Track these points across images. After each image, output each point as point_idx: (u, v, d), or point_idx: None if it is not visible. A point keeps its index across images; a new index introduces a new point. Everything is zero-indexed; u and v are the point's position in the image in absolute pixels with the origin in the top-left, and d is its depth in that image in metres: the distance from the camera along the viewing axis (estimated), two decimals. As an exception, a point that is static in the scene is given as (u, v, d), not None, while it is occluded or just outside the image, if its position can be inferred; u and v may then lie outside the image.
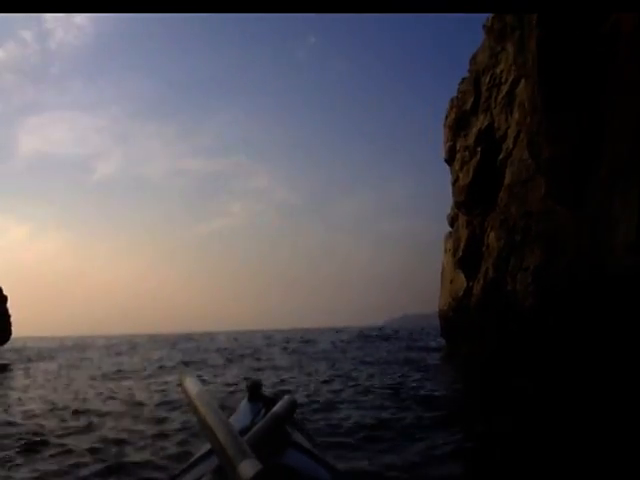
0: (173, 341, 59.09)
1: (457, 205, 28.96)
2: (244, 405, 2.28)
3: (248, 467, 1.21)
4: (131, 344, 55.26)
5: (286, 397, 2.12)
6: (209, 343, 45.56)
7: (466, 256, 27.25)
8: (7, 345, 49.78)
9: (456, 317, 28.82)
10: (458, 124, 27.14)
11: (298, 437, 1.99)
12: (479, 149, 24.90)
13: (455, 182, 28.90)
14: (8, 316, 46.26)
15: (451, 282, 32.18)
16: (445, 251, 34.38)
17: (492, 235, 24.44)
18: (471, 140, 25.39)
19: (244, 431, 1.67)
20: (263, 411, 2.00)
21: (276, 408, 1.92)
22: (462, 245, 28.87)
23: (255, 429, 1.66)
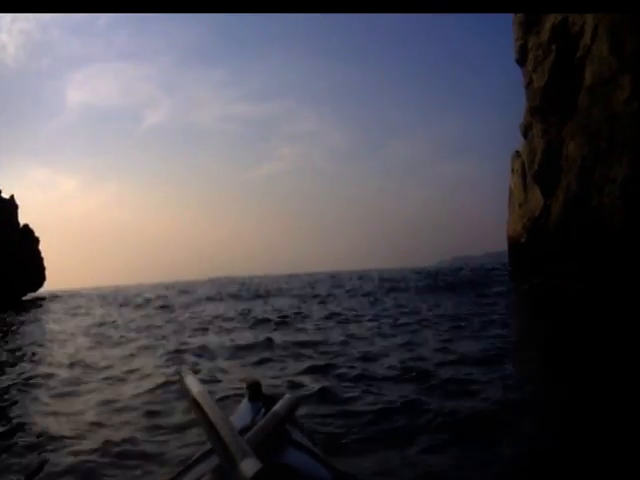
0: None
1: (531, 111, 26.56)
2: (244, 404, 2.27)
3: (248, 466, 1.24)
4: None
5: (286, 396, 2.09)
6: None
7: (543, 169, 24.99)
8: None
9: (531, 241, 26.59)
10: (529, 20, 24.39)
11: (298, 436, 2.00)
12: (554, 47, 22.32)
13: (529, 84, 26.48)
14: (41, 259, 45.54)
15: (520, 206, 30.11)
16: (512, 171, 32.22)
17: (572, 144, 22.10)
18: (544, 37, 22.80)
19: (244, 430, 1.70)
20: (263, 410, 2.01)
21: (276, 407, 1.92)
22: (538, 157, 26.62)
23: (255, 428, 1.69)
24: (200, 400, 1.68)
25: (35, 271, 44.98)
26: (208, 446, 1.72)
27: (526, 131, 26.24)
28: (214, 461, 1.55)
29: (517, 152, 30.22)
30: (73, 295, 51.38)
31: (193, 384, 1.83)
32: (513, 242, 28.90)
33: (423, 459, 4.19)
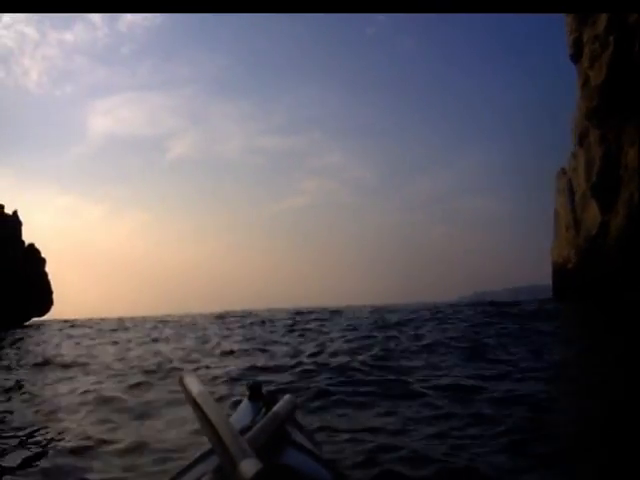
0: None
1: (588, 114, 23.82)
2: (244, 404, 2.33)
3: (248, 466, 1.25)
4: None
5: (286, 396, 2.14)
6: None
7: (601, 181, 21.75)
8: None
9: (584, 264, 23.43)
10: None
11: (298, 436, 2.03)
12: (612, 38, 19.28)
13: (584, 84, 23.66)
14: (47, 282, 42.62)
15: (567, 228, 27.13)
16: (558, 191, 29.13)
17: (632, 152, 18.87)
18: (601, 27, 19.91)
19: (244, 430, 1.71)
20: (263, 410, 2.06)
21: (276, 407, 1.96)
22: (596, 167, 23.60)
23: (255, 428, 1.70)
24: (200, 400, 1.66)
25: (40, 294, 41.79)
26: (208, 446, 1.71)
27: (581, 139, 23.26)
28: (214, 461, 1.56)
29: (563, 169, 27.52)
30: (92, 324, 48.26)
31: (193, 384, 1.81)
32: (559, 268, 25.75)
33: None
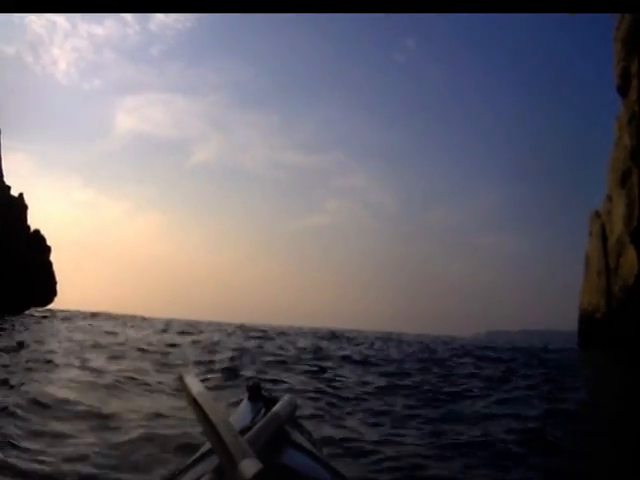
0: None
1: (633, 153, 21.57)
2: (244, 405, 2.33)
3: (248, 466, 1.25)
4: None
5: (286, 397, 2.18)
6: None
7: (642, 226, 19.94)
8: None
9: (617, 314, 21.55)
10: (634, 35, 19.56)
11: (298, 437, 2.04)
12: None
13: (631, 120, 21.55)
14: (51, 271, 41.15)
15: (599, 274, 25.22)
16: (590, 235, 27.28)
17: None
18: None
19: (244, 431, 1.69)
20: (263, 411, 2.03)
21: (276, 408, 1.96)
22: (637, 211, 21.57)
23: (255, 429, 1.68)
24: (200, 400, 1.69)
25: (43, 283, 40.41)
26: (208, 446, 1.77)
27: (622, 179, 21.35)
28: (214, 461, 1.56)
29: (596, 212, 25.68)
30: (95, 316, 47.18)
31: (193, 384, 1.87)
32: (587, 316, 23.86)
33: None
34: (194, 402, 1.69)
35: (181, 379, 1.96)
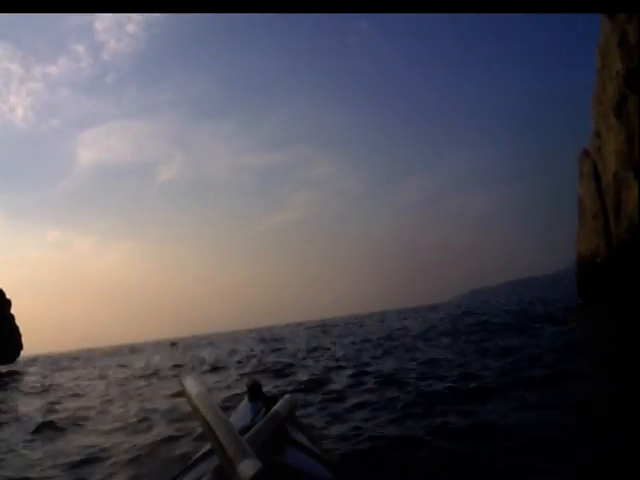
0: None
1: (627, 78, 19.56)
2: (244, 404, 2.34)
3: (248, 466, 1.24)
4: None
5: (286, 396, 2.18)
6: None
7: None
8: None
9: (621, 257, 19.65)
10: None
11: (298, 436, 2.06)
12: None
13: (621, 41, 19.48)
14: (14, 326, 37.89)
15: (595, 217, 23.39)
16: (581, 176, 25.38)
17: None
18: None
19: (244, 430, 1.72)
20: (263, 410, 2.07)
21: (276, 407, 1.98)
22: (638, 141, 19.58)
23: (255, 428, 1.70)
24: (200, 400, 1.68)
25: (5, 340, 37.19)
26: (208, 446, 1.78)
27: (618, 109, 19.34)
28: (214, 461, 1.56)
29: (585, 151, 24.12)
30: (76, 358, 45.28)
31: (193, 385, 1.86)
32: (586, 262, 22.04)
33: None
34: (194, 402, 1.68)
35: (181, 380, 1.94)
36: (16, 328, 43.10)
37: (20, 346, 43.48)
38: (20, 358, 44.88)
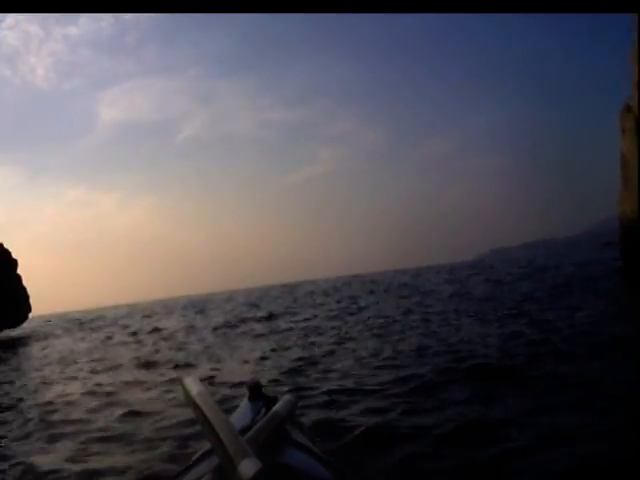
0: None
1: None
2: (244, 404, 2.34)
3: (248, 466, 1.24)
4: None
5: (286, 396, 2.21)
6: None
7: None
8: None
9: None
10: None
11: (299, 436, 2.05)
12: None
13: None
14: (21, 287, 36.27)
15: (640, 174, 21.20)
16: (624, 133, 23.33)
17: None
18: None
19: (244, 430, 1.73)
20: (263, 410, 2.06)
21: (276, 407, 1.98)
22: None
23: (255, 428, 1.70)
24: (200, 400, 1.68)
25: (11, 302, 35.63)
26: (208, 446, 1.76)
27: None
28: (214, 461, 1.57)
29: (627, 106, 21.81)
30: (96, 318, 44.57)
31: (193, 385, 1.86)
32: (632, 225, 20.11)
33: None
34: (194, 402, 1.69)
35: (180, 380, 1.94)
36: (23, 289, 42.07)
37: (28, 308, 42.14)
38: (30, 320, 43.88)
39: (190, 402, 1.74)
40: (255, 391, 2.29)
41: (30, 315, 43.62)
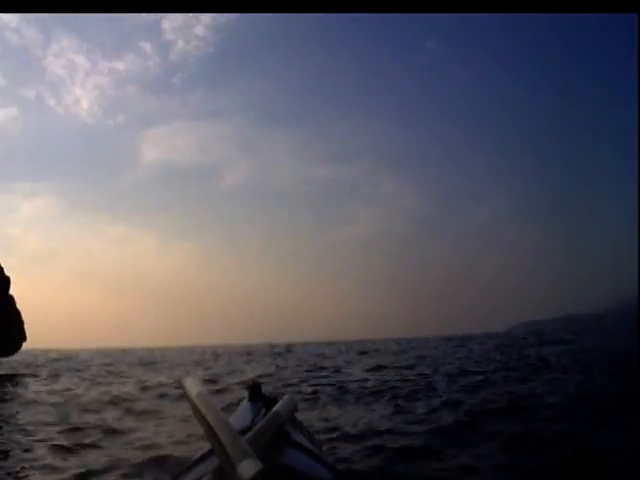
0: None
1: None
2: (244, 405, 2.34)
3: (248, 467, 1.22)
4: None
5: (286, 396, 2.18)
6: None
7: None
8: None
9: None
10: None
11: (298, 437, 2.04)
12: None
13: None
14: (15, 311, 29.91)
15: None
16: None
17: None
18: None
19: (244, 431, 1.71)
20: (263, 411, 2.06)
21: (276, 408, 1.97)
22: None
23: (255, 429, 1.68)
24: (200, 401, 1.69)
25: (3, 327, 29.40)
26: (208, 447, 1.76)
27: None
28: (214, 462, 1.56)
29: None
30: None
31: (193, 385, 1.87)
32: None
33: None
34: (194, 403, 1.69)
35: (181, 380, 1.95)
36: (17, 313, 35.59)
37: (22, 336, 35.60)
38: (23, 351, 37.39)
39: (190, 402, 1.73)
40: (255, 392, 2.25)
41: (24, 345, 36.62)
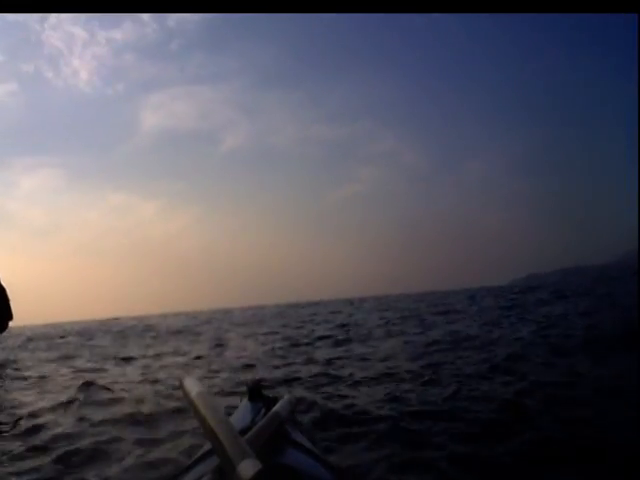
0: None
1: None
2: (244, 405, 2.31)
3: (248, 467, 1.22)
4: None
5: (286, 396, 2.16)
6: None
7: None
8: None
9: None
10: None
11: (298, 436, 2.01)
12: None
13: None
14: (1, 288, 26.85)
15: None
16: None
17: None
18: None
19: (244, 431, 1.69)
20: (263, 410, 2.04)
21: (276, 407, 1.94)
22: None
23: (255, 429, 1.66)
24: (200, 401, 1.66)
25: None
26: (208, 446, 1.76)
27: None
28: (214, 461, 1.56)
29: None
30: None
31: (193, 385, 1.85)
32: None
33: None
34: (193, 403, 1.66)
35: (180, 381, 1.94)
36: (2, 292, 32.42)
37: (9, 315, 32.73)
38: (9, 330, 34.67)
39: (190, 402, 1.70)
40: (255, 391, 2.26)
41: (10, 324, 34.63)
